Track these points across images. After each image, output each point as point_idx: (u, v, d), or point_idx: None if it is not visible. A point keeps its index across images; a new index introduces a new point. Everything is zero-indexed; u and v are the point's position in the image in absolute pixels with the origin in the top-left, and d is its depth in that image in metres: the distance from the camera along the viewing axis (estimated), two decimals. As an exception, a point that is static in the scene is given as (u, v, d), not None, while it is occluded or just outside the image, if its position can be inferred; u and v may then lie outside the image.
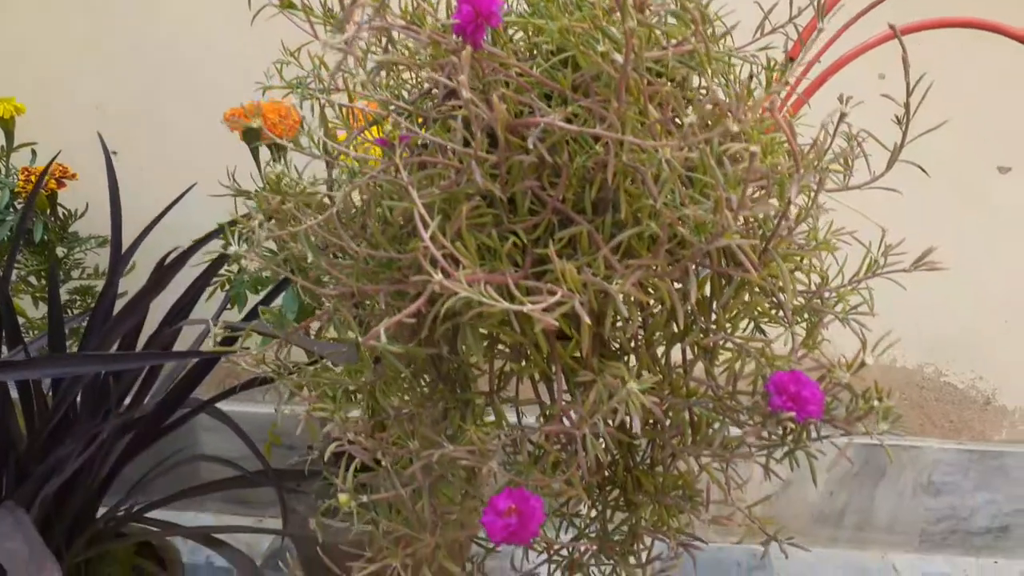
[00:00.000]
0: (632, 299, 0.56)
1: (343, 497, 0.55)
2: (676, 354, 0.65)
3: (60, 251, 1.10)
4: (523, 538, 0.52)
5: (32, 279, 1.08)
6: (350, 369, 0.68)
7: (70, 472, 0.74)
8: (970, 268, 1.46)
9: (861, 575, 1.49)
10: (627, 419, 0.56)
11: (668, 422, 0.60)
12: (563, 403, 0.56)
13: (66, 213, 1.12)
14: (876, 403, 0.48)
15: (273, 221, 0.54)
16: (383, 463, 0.58)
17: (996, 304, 1.49)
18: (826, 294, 0.64)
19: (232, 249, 0.56)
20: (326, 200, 0.58)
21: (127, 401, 0.93)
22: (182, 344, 0.96)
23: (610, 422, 0.52)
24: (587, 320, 0.51)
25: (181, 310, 0.87)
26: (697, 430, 0.60)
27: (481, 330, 0.65)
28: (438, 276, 0.46)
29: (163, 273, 0.79)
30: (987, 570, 1.53)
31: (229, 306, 0.98)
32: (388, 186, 0.54)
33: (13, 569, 0.60)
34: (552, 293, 0.48)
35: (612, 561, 0.64)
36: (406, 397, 0.60)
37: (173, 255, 0.82)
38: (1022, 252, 1.46)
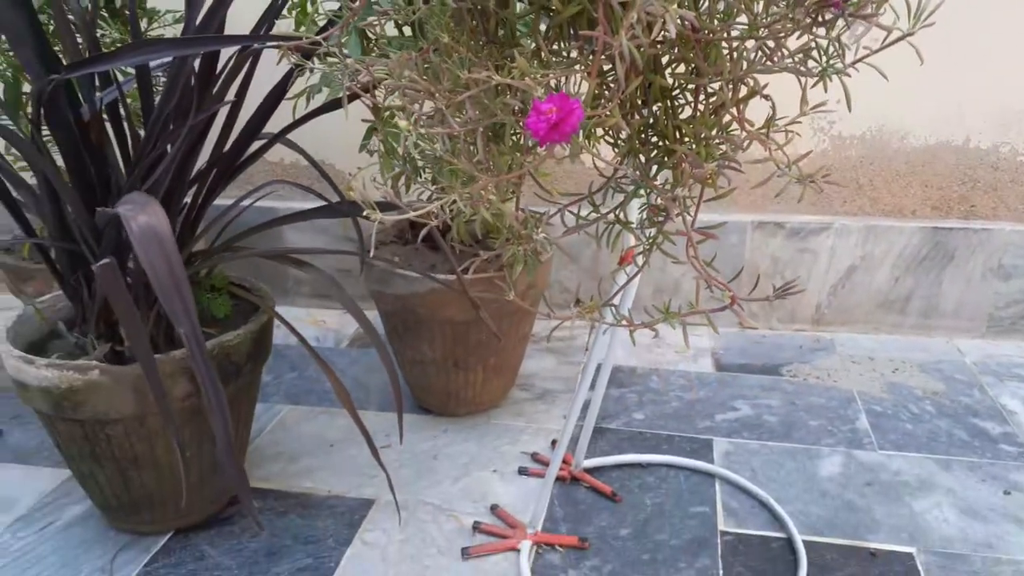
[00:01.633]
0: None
1: (402, 123, 0.60)
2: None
3: (142, 25, 1.17)
4: (564, 132, 0.56)
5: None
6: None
7: (171, 169, 0.82)
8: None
9: (925, 356, 1.50)
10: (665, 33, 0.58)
11: (706, 62, 0.62)
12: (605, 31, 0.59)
13: (144, -13, 1.18)
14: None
15: None
16: (437, 103, 0.63)
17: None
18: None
19: None
20: None
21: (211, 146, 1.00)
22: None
23: (646, 40, 0.55)
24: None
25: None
26: (736, 67, 0.63)
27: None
28: None
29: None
30: (1057, 354, 1.52)
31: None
32: None
33: (128, 212, 0.69)
34: None
35: (657, 215, 0.68)
36: (458, 39, 0.64)
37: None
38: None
